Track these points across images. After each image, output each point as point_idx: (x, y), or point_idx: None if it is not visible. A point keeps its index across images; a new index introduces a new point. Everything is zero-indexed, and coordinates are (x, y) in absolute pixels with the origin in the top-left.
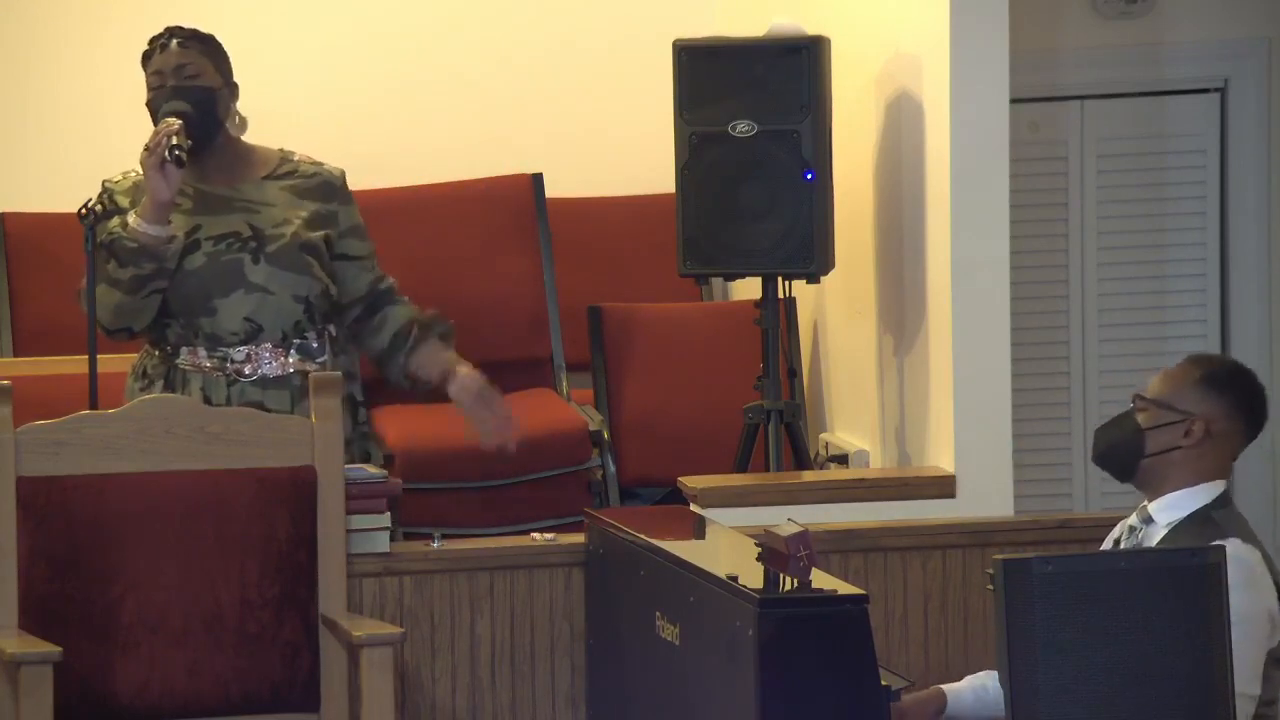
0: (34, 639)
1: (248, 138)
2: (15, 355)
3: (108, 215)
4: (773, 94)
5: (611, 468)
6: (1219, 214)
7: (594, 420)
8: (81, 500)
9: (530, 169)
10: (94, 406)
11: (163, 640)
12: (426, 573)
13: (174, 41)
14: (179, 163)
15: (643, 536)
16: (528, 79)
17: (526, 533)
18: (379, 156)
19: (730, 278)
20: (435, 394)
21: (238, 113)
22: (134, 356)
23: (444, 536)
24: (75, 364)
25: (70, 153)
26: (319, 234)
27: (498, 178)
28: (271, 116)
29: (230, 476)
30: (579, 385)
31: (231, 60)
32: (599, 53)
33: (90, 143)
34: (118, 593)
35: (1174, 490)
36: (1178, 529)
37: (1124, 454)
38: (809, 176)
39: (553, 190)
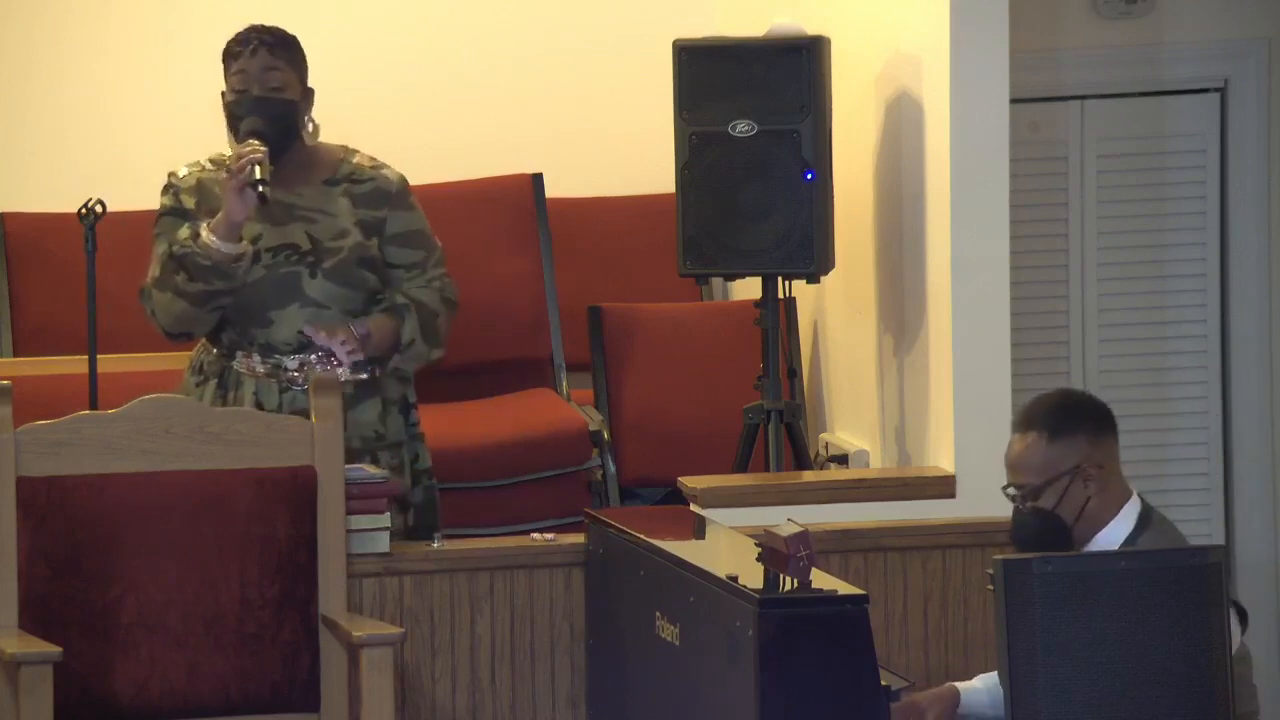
0: (34, 639)
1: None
2: (15, 355)
3: (173, 212)
4: (773, 94)
5: (611, 468)
6: (1219, 214)
7: (594, 420)
8: (81, 500)
9: (530, 169)
10: (94, 406)
11: (163, 640)
12: (426, 573)
13: (263, 47)
14: (263, 199)
15: (643, 536)
16: (528, 79)
17: (526, 533)
18: (379, 156)
19: (730, 278)
20: (435, 394)
21: (311, 120)
22: (142, 356)
23: (444, 536)
24: (75, 364)
25: (70, 153)
26: (372, 242)
27: (498, 178)
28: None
29: (230, 476)
30: (579, 385)
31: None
32: (599, 53)
33: (90, 143)
34: (118, 593)
35: (1098, 532)
36: None
37: (1056, 538)
38: (809, 176)
39: (553, 190)
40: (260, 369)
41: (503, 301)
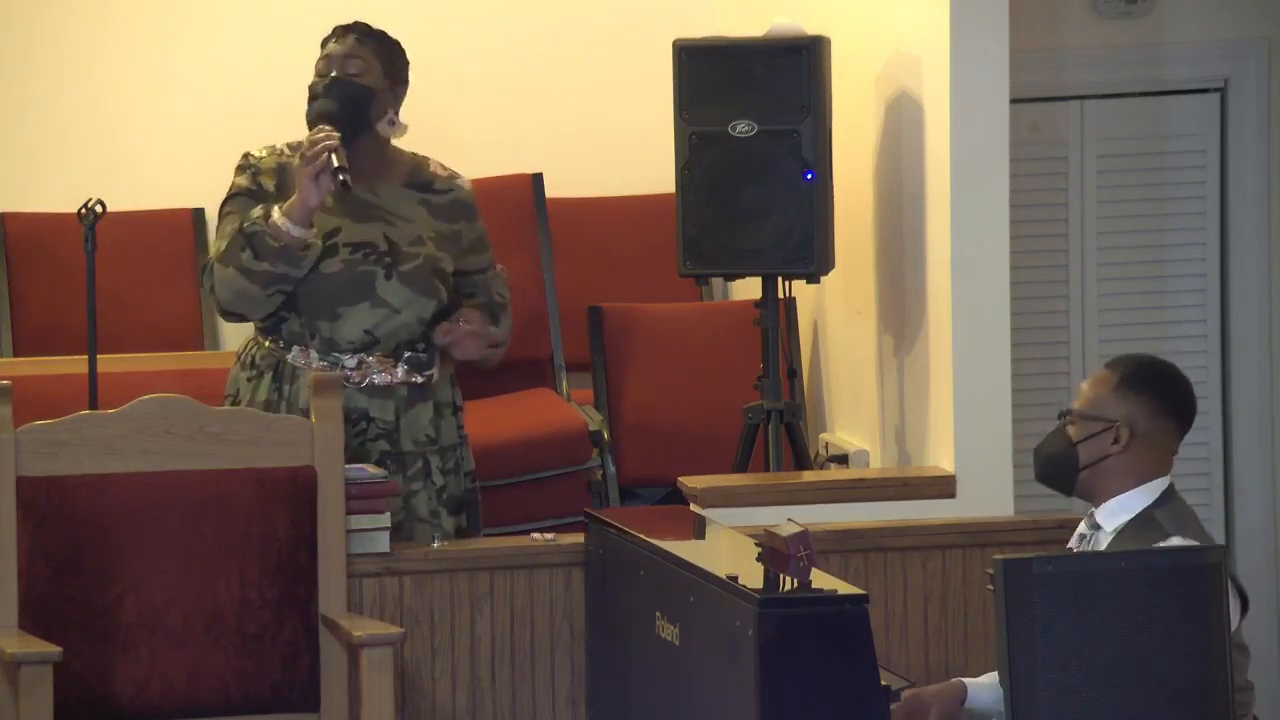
0: (34, 639)
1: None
2: (15, 355)
3: (249, 193)
4: (773, 94)
5: (611, 468)
6: (1219, 214)
7: (594, 420)
8: (81, 500)
9: (530, 169)
10: (94, 406)
11: (163, 640)
12: (426, 573)
13: (352, 36)
14: (346, 186)
15: (643, 536)
16: (528, 79)
17: (526, 533)
18: None
19: (730, 278)
20: None
21: (396, 117)
22: (142, 356)
23: (444, 536)
24: (75, 364)
25: (70, 153)
26: (447, 254)
27: (498, 178)
28: (271, 116)
29: (230, 476)
30: (579, 385)
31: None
32: (599, 53)
33: (90, 143)
34: (118, 593)
35: (1115, 495)
36: (1122, 532)
37: (1061, 470)
38: (809, 176)
39: (553, 190)
40: (317, 364)
41: None
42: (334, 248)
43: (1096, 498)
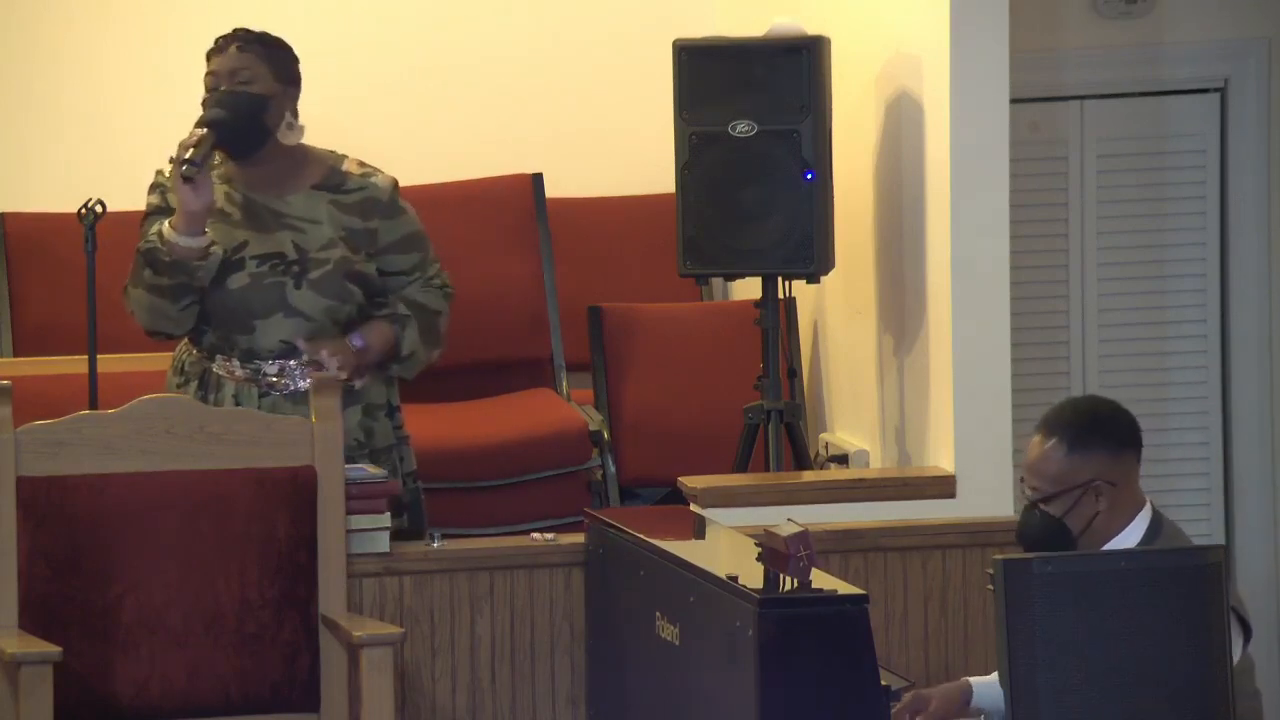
0: (34, 639)
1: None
2: (15, 355)
3: (159, 211)
4: (773, 94)
5: (611, 468)
6: (1219, 214)
7: (594, 420)
8: (81, 500)
9: (530, 169)
10: (94, 406)
11: (163, 640)
12: (426, 573)
13: (234, 45)
14: (185, 178)
15: (643, 536)
16: (528, 79)
17: (526, 533)
18: (379, 157)
19: (730, 278)
20: (435, 394)
21: (293, 120)
22: (142, 356)
23: (444, 536)
24: (75, 364)
25: (70, 153)
26: (362, 256)
27: (498, 178)
28: None
29: (230, 476)
30: (579, 385)
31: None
32: (599, 53)
33: (90, 143)
34: (118, 593)
35: (1108, 542)
36: None
37: (1059, 545)
38: (809, 176)
39: (553, 190)
40: (240, 373)
41: (503, 301)
42: (240, 261)
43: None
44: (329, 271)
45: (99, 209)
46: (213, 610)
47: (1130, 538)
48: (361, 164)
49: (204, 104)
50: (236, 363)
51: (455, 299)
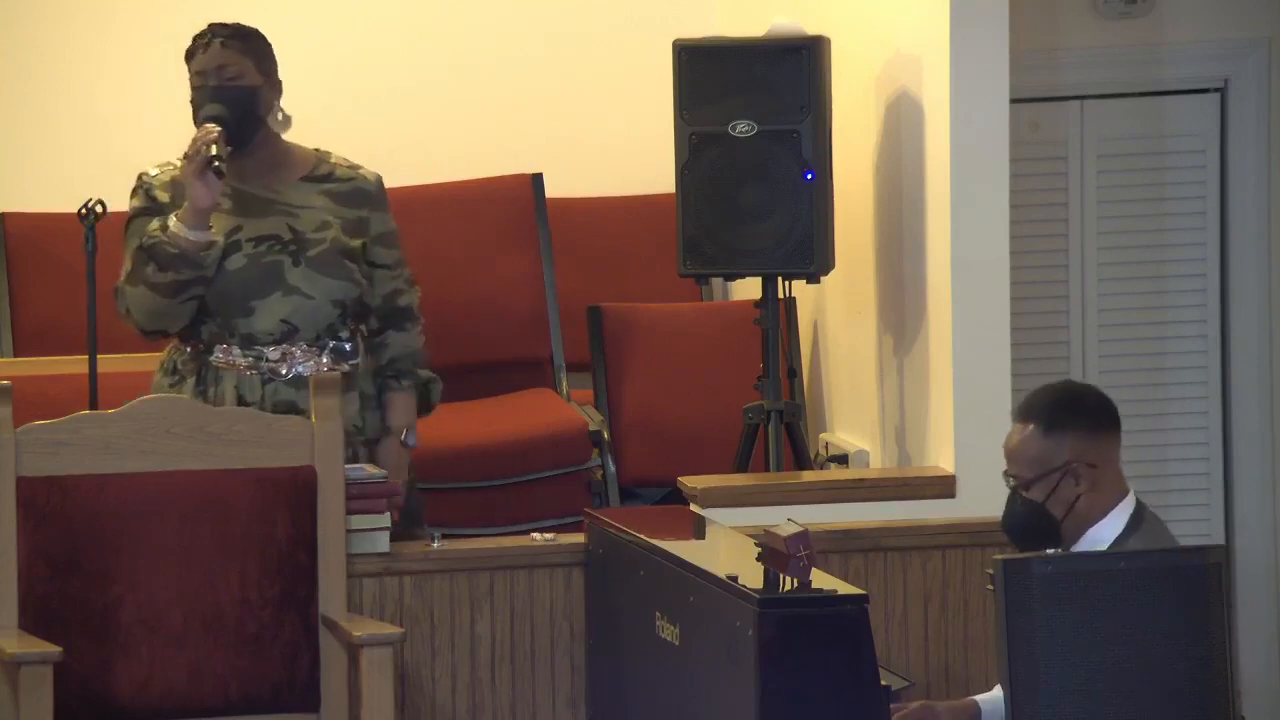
0: (34, 639)
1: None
2: (15, 355)
3: (146, 211)
4: (773, 94)
5: (611, 468)
6: (1219, 214)
7: (594, 420)
8: (81, 500)
9: (530, 169)
10: (94, 406)
11: (163, 640)
12: (426, 573)
13: (216, 41)
14: (219, 174)
15: (643, 536)
16: (528, 79)
17: (526, 533)
18: (379, 157)
19: (730, 278)
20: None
21: (281, 110)
22: (141, 356)
23: (444, 536)
24: (75, 364)
25: (70, 153)
26: (357, 241)
27: (498, 178)
28: None
29: (230, 476)
30: (579, 385)
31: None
32: (599, 53)
33: (90, 143)
34: (118, 593)
35: (1090, 527)
36: None
37: (1043, 532)
38: (809, 176)
39: (553, 190)
40: (241, 361)
41: (503, 301)
42: (236, 244)
43: (1075, 538)
44: (326, 250)
45: (99, 209)
46: (213, 610)
47: (1111, 528)
48: (347, 160)
49: (194, 102)
50: (237, 351)
51: (454, 299)
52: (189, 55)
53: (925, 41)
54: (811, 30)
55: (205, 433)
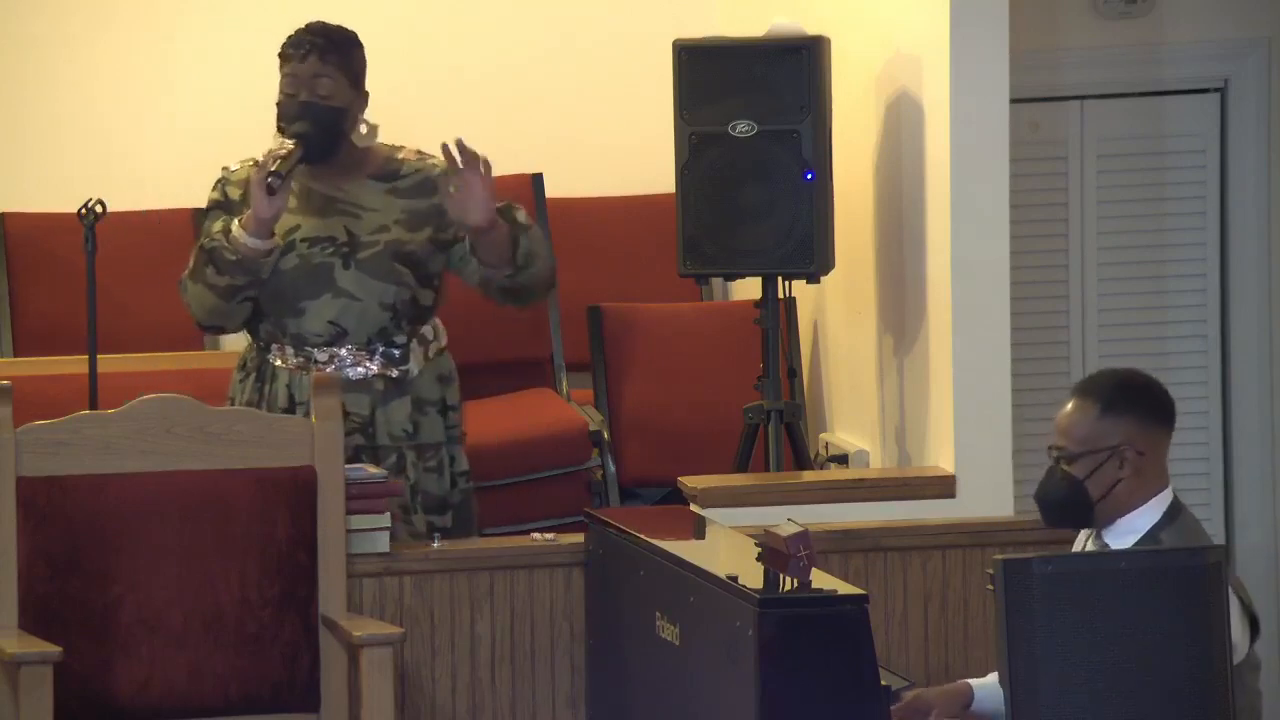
0: (34, 639)
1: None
2: (15, 355)
3: (219, 205)
4: (773, 94)
5: (611, 468)
6: (1219, 214)
7: (594, 420)
8: (81, 500)
9: (530, 169)
10: (94, 406)
11: (163, 640)
12: (426, 573)
13: (315, 52)
14: (270, 190)
15: (643, 536)
16: (528, 79)
17: (526, 533)
18: None
19: (730, 278)
20: None
21: (365, 122)
22: (142, 356)
23: (444, 536)
24: (75, 364)
25: (70, 153)
26: (422, 234)
27: (498, 178)
28: (271, 117)
29: (230, 476)
30: (579, 385)
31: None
32: (599, 53)
33: (90, 143)
34: (118, 593)
35: (1125, 515)
36: None
37: (1076, 509)
38: (809, 176)
39: (553, 190)
40: (292, 361)
41: None
42: (290, 244)
43: (1107, 522)
44: (378, 252)
45: (99, 209)
46: (213, 610)
47: (1147, 518)
48: (418, 152)
49: (280, 106)
50: (289, 350)
51: (455, 300)
52: (284, 57)
53: (925, 41)
54: (811, 30)
55: (205, 433)
